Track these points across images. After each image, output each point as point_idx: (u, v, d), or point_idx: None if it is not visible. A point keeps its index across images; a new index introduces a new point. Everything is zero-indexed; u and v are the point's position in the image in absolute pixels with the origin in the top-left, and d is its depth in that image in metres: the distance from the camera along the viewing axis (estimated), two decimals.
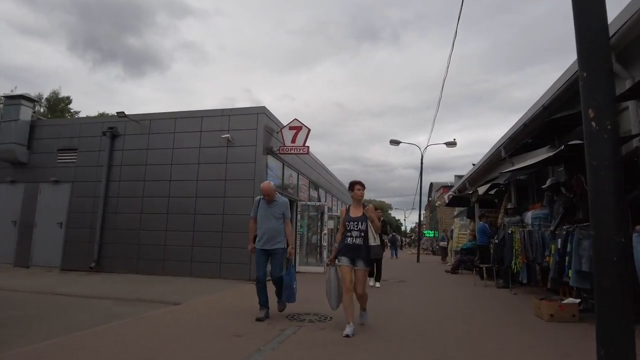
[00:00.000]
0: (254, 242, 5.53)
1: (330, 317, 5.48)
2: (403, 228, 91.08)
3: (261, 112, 10.22)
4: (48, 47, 70.84)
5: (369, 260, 4.88)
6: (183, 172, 10.46)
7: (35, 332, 4.56)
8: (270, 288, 5.57)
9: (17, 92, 18.74)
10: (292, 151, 10.83)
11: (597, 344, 2.16)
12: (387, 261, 21.07)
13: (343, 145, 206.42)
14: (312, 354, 3.82)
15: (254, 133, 10.10)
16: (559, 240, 5.96)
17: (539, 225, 8.43)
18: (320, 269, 12.56)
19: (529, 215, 9.24)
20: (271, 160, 10.92)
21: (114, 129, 11.22)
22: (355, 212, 4.87)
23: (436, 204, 37.04)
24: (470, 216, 14.06)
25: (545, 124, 7.13)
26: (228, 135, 10.11)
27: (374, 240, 4.75)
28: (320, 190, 16.75)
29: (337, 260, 4.89)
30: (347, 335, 4.38)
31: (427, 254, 32.71)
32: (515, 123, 10.52)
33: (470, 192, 13.33)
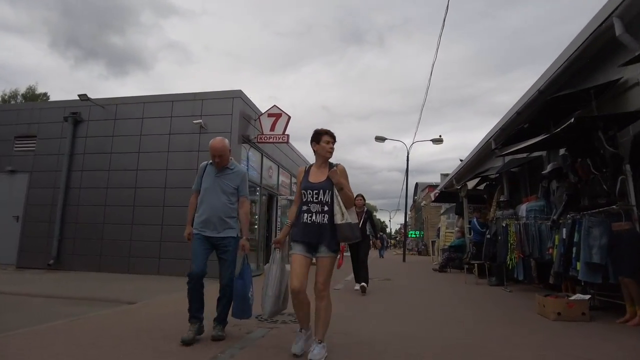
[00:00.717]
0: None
1: None
2: (388, 230, 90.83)
3: (237, 97, 9.43)
4: (28, 44, 68.63)
5: (336, 244, 3.16)
6: (151, 161, 9.59)
7: None
8: (212, 292, 3.92)
9: None
10: (271, 140, 10.06)
11: None
12: (374, 261, 20.49)
13: None
14: None
15: (228, 119, 9.31)
16: (564, 230, 5.33)
17: (535, 218, 7.86)
18: None
19: (523, 208, 8.66)
20: (248, 150, 10.14)
21: (76, 114, 10.29)
22: (318, 177, 3.22)
23: (422, 204, 36.62)
24: (459, 212, 13.48)
25: (545, 105, 6.52)
26: (200, 120, 9.30)
27: (341, 218, 3.06)
28: None
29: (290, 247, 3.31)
30: (295, 355, 3.09)
31: (412, 254, 32.26)
32: (507, 112, 9.95)
33: (459, 187, 12.74)
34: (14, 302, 5.59)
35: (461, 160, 16.59)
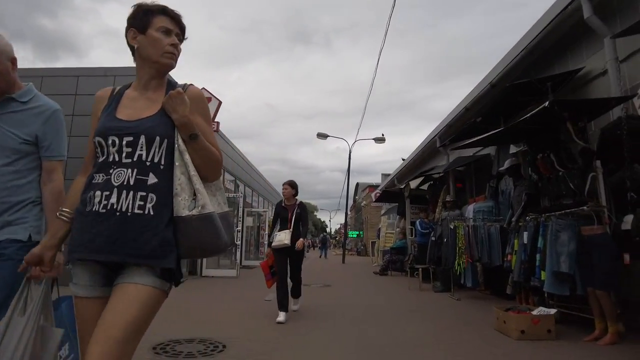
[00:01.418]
0: None
1: (224, 346, 3.69)
2: (328, 229, 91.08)
3: None
4: None
5: (173, 261, 1.32)
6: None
7: None
8: None
9: None
10: None
11: None
12: (313, 262, 19.65)
13: (272, 146, 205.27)
14: None
15: None
16: (525, 234, 4.70)
17: (483, 219, 7.35)
18: (233, 273, 10.63)
19: (470, 209, 8.14)
20: None
21: None
22: (138, 109, 1.45)
23: (362, 204, 36.49)
24: (402, 213, 12.97)
25: (502, 95, 5.94)
26: None
27: (191, 203, 1.35)
28: (242, 185, 14.76)
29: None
30: None
31: (351, 254, 31.93)
32: (454, 108, 9.49)
33: (402, 187, 12.21)
34: None
35: (403, 160, 16.22)
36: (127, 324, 1.20)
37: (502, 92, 5.76)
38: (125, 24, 1.47)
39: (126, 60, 1.75)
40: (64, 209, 1.46)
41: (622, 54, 4.65)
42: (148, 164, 1.36)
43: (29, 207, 1.85)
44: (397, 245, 12.37)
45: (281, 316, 4.88)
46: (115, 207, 1.31)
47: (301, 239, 5.29)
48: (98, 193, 1.34)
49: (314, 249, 45.73)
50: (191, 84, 1.54)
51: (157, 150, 1.37)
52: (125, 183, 1.33)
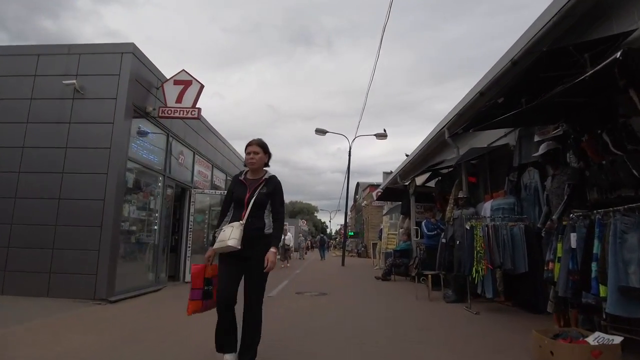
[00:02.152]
0: None
1: None
2: (328, 230, 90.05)
3: (128, 52, 7.01)
4: None
5: None
6: (2, 136, 6.91)
7: None
8: None
9: None
10: (177, 114, 7.74)
11: None
12: (311, 264, 18.56)
13: (273, 147, 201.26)
14: None
15: (114, 81, 6.87)
16: (573, 235, 3.64)
17: (503, 218, 6.30)
18: None
19: (487, 207, 7.11)
20: (146, 126, 7.75)
21: None
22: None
23: (362, 204, 35.41)
24: (406, 212, 11.91)
25: (532, 67, 4.87)
26: (74, 82, 6.78)
27: None
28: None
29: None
30: None
31: (352, 256, 30.88)
32: (466, 95, 8.43)
33: (407, 183, 11.14)
34: None
35: (407, 156, 15.16)
36: None
37: (532, 62, 4.67)
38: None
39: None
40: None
41: None
42: None
43: None
44: (401, 247, 11.30)
45: None
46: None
47: (272, 250, 3.00)
48: None
49: (312, 249, 44.68)
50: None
51: None
52: None
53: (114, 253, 6.49)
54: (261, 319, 3.19)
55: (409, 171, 14.45)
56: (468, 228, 6.34)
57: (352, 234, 39.04)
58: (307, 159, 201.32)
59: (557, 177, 4.30)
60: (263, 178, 3.17)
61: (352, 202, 46.79)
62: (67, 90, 6.82)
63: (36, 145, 6.78)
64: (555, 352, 3.16)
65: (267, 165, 3.31)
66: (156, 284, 7.98)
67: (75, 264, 6.37)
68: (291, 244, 16.13)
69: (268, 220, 3.12)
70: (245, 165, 3.27)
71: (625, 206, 3.19)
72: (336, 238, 70.36)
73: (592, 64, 4.44)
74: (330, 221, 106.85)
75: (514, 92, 5.50)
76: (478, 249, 5.91)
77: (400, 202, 14.93)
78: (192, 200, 9.82)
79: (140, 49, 7.28)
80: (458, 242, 7.35)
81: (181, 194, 9.96)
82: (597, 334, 3.31)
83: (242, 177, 3.22)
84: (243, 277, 3.09)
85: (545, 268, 3.98)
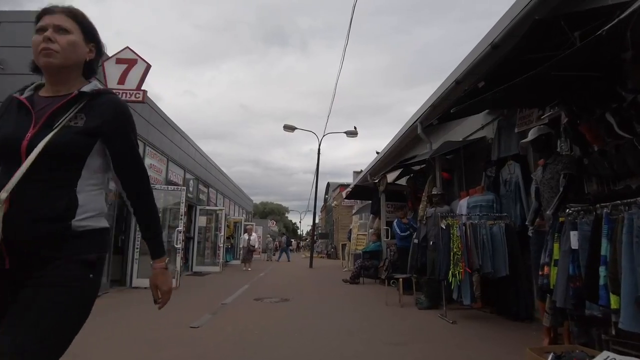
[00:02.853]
0: None
1: None
2: (299, 231, 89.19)
3: None
4: None
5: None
6: None
7: None
8: None
9: None
10: (119, 96, 6.79)
11: None
12: (278, 266, 17.58)
13: (245, 147, 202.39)
14: None
15: None
16: (574, 234, 3.03)
17: (481, 216, 5.74)
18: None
19: (462, 204, 6.55)
20: None
21: None
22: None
23: (333, 204, 34.84)
24: (376, 211, 11.31)
25: (522, 43, 4.28)
26: None
27: None
28: (195, 181, 12.73)
29: None
30: None
31: (321, 257, 30.22)
32: (441, 85, 7.86)
33: (377, 180, 10.53)
34: None
35: (378, 153, 14.60)
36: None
37: (529, 31, 4.05)
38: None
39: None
40: None
41: None
42: None
43: None
44: (371, 248, 10.67)
45: None
46: None
47: (159, 265, 1.54)
48: None
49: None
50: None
51: None
52: None
53: None
54: None
55: (380, 169, 13.89)
56: (444, 227, 5.73)
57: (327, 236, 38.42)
58: (280, 159, 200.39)
59: (549, 167, 3.71)
60: (77, 93, 1.37)
61: (323, 203, 46.15)
62: None
63: None
64: None
65: (91, 68, 1.52)
66: None
67: None
68: (257, 245, 15.06)
69: (96, 194, 1.38)
70: (33, 69, 1.45)
71: (628, 200, 2.59)
72: (306, 239, 69.70)
73: (582, 39, 3.92)
74: (300, 222, 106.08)
75: (496, 76, 4.94)
76: (455, 250, 5.30)
77: (370, 201, 14.37)
78: None
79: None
80: (432, 242, 6.76)
81: None
82: (605, 354, 2.70)
83: (24, 95, 1.39)
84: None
85: (540, 273, 3.36)
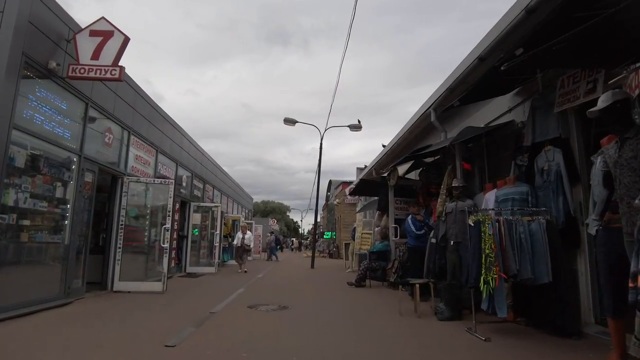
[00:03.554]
0: None
1: None
2: (301, 230, 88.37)
3: None
4: None
5: None
6: None
7: None
8: None
9: None
10: (92, 73, 5.89)
11: None
12: (278, 266, 16.61)
13: (247, 146, 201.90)
14: None
15: None
16: None
17: (514, 211, 4.84)
18: (158, 286, 7.77)
19: (489, 198, 5.68)
20: (53, 90, 5.88)
21: None
22: None
23: (335, 202, 33.92)
24: (383, 208, 10.39)
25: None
26: None
27: None
28: (189, 174, 11.85)
29: None
30: None
31: (323, 256, 29.34)
32: (461, 63, 6.93)
33: (387, 173, 9.61)
34: None
35: (384, 146, 13.68)
36: None
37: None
38: None
39: None
40: None
41: None
42: None
43: None
44: (378, 248, 9.77)
45: None
46: None
47: None
48: None
49: (281, 250, 42.89)
50: None
51: None
52: None
53: None
54: None
55: (387, 163, 12.96)
56: (472, 224, 4.82)
57: (329, 236, 37.49)
58: (282, 158, 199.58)
59: (629, 143, 2.80)
60: None
61: (324, 201, 45.23)
62: None
63: None
64: None
65: None
66: (64, 296, 6.10)
67: None
68: (251, 244, 14.06)
69: None
70: None
71: None
72: (307, 238, 68.72)
73: None
74: (302, 220, 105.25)
75: (536, 40, 4.04)
76: (487, 251, 4.39)
77: (376, 198, 13.47)
78: (124, 190, 7.94)
79: None
80: (452, 242, 5.88)
81: (112, 182, 8.08)
82: None
83: None
84: None
85: (631, 285, 2.44)
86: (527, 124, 5.47)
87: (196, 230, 13.46)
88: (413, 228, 7.08)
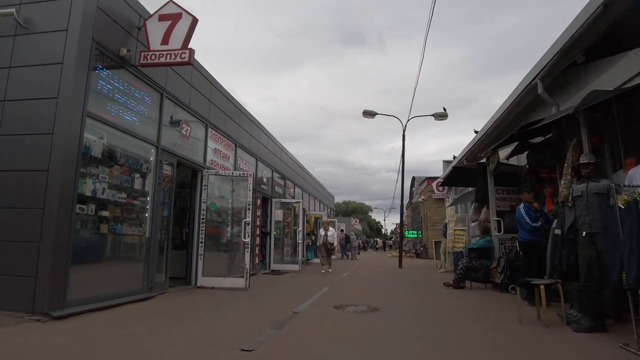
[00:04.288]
0: None
1: None
2: (383, 230, 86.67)
3: None
4: None
5: None
6: None
7: None
8: None
9: None
10: (162, 59, 5.62)
11: None
12: (363, 265, 15.77)
13: (327, 148, 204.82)
14: None
15: (65, 6, 4.87)
16: None
17: None
18: (241, 282, 7.44)
19: (636, 175, 4.31)
20: (127, 79, 5.73)
21: None
22: None
23: (420, 199, 32.23)
24: (482, 199, 9.09)
25: None
26: (12, 10, 4.87)
27: None
28: (269, 169, 11.60)
29: None
30: None
31: (409, 256, 27.93)
32: (578, 17, 5.56)
33: (487, 156, 8.33)
34: None
35: (476, 132, 12.24)
36: None
37: None
38: None
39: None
40: None
41: None
42: None
43: None
44: (479, 244, 8.53)
45: None
46: None
47: None
48: None
49: (366, 250, 41.99)
50: None
51: None
52: None
53: (62, 246, 4.47)
54: None
55: (481, 150, 11.52)
56: (622, 207, 3.61)
57: (414, 234, 35.92)
58: (361, 158, 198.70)
59: None
60: None
61: (408, 200, 43.45)
62: (2, 20, 4.91)
63: None
64: None
65: None
66: (147, 290, 5.92)
67: (7, 261, 4.42)
68: (335, 242, 13.15)
69: None
70: None
71: None
72: (391, 238, 66.98)
73: None
74: (384, 220, 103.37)
75: None
76: None
77: (470, 189, 12.10)
78: (204, 183, 7.73)
79: None
80: (584, 233, 4.63)
81: (192, 176, 7.93)
82: None
83: None
84: None
85: None
86: None
87: (277, 230, 13.17)
88: (528, 219, 5.83)
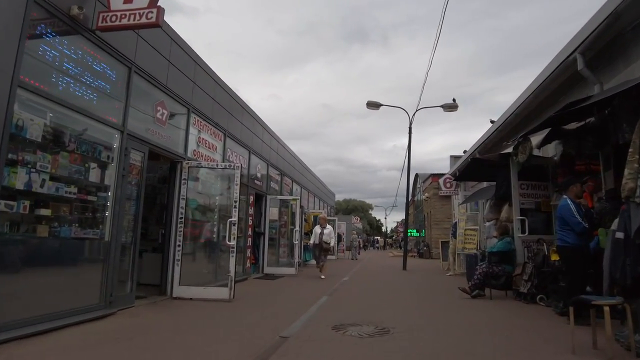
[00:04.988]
0: None
1: None
2: (384, 229, 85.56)
3: None
4: None
5: None
6: None
7: None
8: None
9: None
10: (125, 20, 4.54)
11: None
12: (365, 267, 14.55)
13: (328, 146, 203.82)
14: None
15: None
16: None
17: None
18: (225, 293, 6.39)
19: None
20: (79, 47, 4.64)
21: None
22: None
23: (424, 197, 31.14)
24: (504, 195, 7.98)
25: None
26: None
27: None
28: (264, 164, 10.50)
29: None
30: None
31: (412, 256, 26.86)
32: None
33: (515, 145, 7.20)
34: None
35: (492, 122, 11.13)
36: None
37: None
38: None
39: None
40: None
41: None
42: None
43: None
44: (499, 247, 7.43)
45: None
46: None
47: None
48: None
49: (365, 249, 40.95)
50: None
51: None
52: None
53: None
54: None
55: (497, 142, 10.44)
56: None
57: (415, 233, 34.88)
58: (363, 157, 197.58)
59: None
60: None
61: (410, 198, 42.28)
62: None
63: None
64: None
65: None
66: (104, 306, 4.84)
67: None
68: (331, 242, 11.49)
69: None
70: None
71: None
72: (392, 236, 65.82)
73: None
74: (385, 218, 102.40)
75: None
76: None
77: (483, 185, 11.08)
78: (183, 177, 6.65)
79: None
80: None
81: (170, 169, 6.86)
82: None
83: None
84: None
85: None
86: None
87: (272, 230, 12.07)
88: (579, 218, 4.73)
